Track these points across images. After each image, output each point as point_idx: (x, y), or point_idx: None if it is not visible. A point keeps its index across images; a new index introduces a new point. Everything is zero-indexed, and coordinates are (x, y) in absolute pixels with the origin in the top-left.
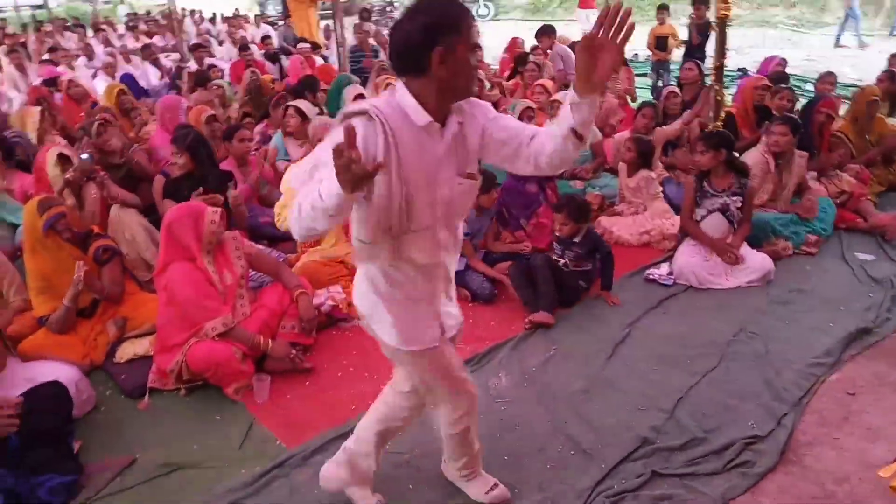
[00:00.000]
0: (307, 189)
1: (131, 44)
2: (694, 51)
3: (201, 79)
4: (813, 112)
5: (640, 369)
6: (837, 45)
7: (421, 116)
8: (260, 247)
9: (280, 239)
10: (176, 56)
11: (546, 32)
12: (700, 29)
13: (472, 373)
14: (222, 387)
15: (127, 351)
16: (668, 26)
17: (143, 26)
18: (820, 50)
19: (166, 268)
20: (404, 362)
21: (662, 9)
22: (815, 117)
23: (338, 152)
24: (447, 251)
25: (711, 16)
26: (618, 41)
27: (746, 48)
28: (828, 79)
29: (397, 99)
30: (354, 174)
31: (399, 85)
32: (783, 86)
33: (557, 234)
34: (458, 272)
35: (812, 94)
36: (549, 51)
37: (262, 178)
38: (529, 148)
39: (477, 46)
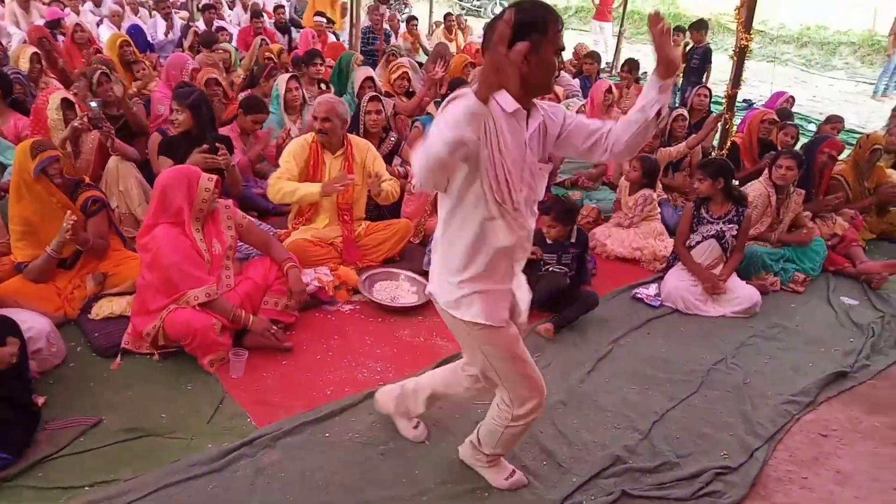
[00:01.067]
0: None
1: None
2: (691, 75)
3: (208, 40)
4: (816, 151)
5: (619, 387)
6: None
7: (509, 103)
8: (251, 218)
9: (271, 213)
10: (185, 14)
11: None
12: (699, 53)
13: None
14: (197, 357)
15: (103, 308)
16: (679, 49)
17: None
18: (826, 91)
19: (152, 229)
20: (479, 341)
21: (678, 30)
22: (818, 157)
23: (496, 47)
24: (529, 232)
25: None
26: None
27: (754, 81)
28: (835, 122)
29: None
30: (502, 71)
31: None
32: (789, 122)
33: (549, 241)
34: None
35: (812, 135)
36: None
37: (263, 153)
38: (607, 140)
39: (561, 49)
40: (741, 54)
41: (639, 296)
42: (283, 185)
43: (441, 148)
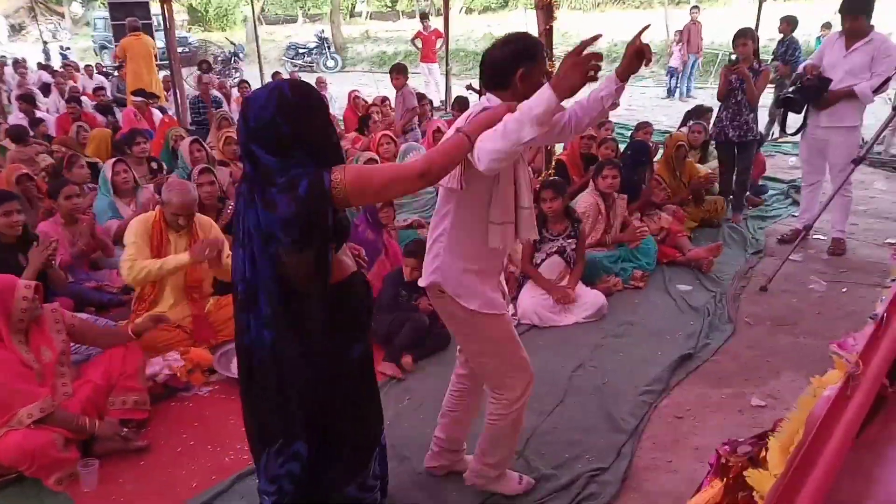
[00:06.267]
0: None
1: None
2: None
3: (18, 134)
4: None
5: None
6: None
7: None
8: (85, 316)
9: (110, 305)
10: None
11: (399, 70)
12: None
13: None
14: (42, 479)
15: None
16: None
17: None
18: (639, 100)
19: None
20: (480, 328)
21: None
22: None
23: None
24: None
25: None
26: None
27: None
28: (644, 128)
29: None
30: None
31: (490, 96)
32: (608, 138)
33: (407, 280)
34: None
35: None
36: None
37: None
38: (570, 123)
39: (549, 74)
40: None
41: None
42: (142, 264)
43: (535, 130)
